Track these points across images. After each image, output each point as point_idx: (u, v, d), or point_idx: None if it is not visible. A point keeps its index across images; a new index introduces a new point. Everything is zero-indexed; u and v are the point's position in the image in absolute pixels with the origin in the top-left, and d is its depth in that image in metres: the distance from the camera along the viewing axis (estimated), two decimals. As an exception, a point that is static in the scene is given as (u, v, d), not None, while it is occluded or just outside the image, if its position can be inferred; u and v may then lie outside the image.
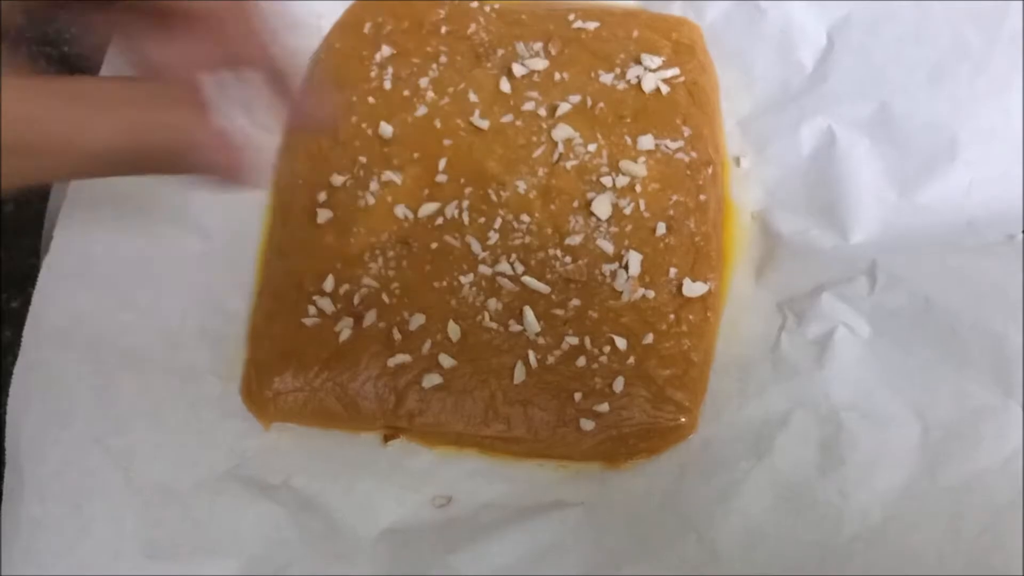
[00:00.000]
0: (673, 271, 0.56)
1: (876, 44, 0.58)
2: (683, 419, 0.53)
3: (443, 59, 0.61)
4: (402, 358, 0.55)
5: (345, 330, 0.55)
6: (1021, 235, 0.52)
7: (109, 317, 0.54)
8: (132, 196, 0.57)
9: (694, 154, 0.58)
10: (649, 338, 0.54)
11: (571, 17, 0.63)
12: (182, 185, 0.54)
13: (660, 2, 0.65)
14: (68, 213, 0.55)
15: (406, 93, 0.60)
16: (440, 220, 0.57)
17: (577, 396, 0.54)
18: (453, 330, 0.55)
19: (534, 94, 0.60)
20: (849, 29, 0.58)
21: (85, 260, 0.55)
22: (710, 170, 0.58)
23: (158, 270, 0.56)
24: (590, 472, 0.54)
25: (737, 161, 0.61)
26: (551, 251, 0.56)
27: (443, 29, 0.62)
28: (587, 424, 0.53)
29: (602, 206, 0.57)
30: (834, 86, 0.58)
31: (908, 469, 0.49)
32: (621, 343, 0.54)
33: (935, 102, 0.56)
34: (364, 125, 0.60)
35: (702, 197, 0.58)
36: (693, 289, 0.55)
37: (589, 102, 0.60)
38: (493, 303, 0.56)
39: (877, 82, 0.57)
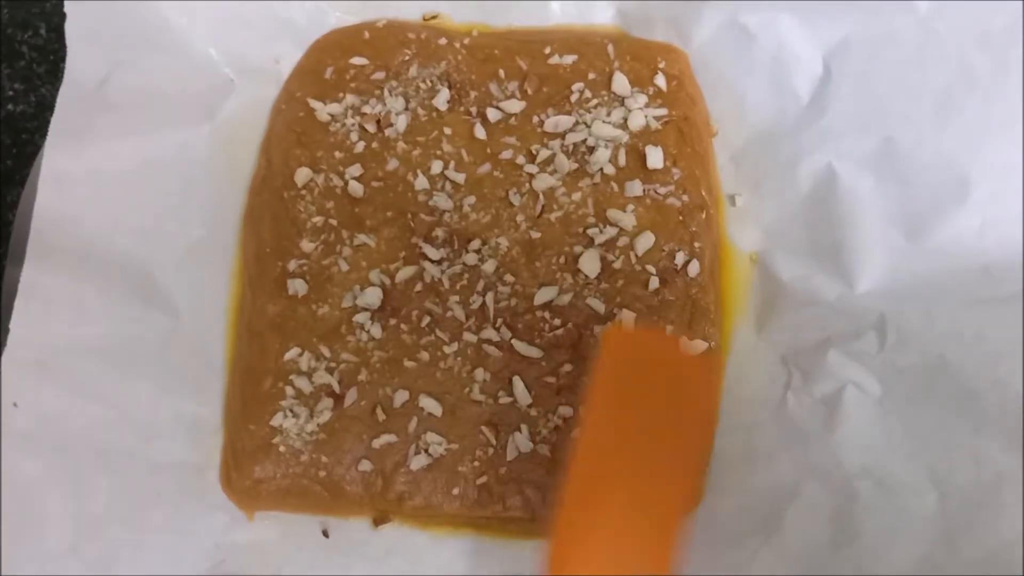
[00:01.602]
0: (669, 329, 0.53)
1: (877, 71, 0.53)
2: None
3: (412, 104, 0.57)
4: (387, 438, 0.52)
5: (325, 411, 0.52)
6: (1040, 286, 0.48)
7: (77, 414, 0.51)
8: (94, 272, 0.53)
9: (686, 198, 0.55)
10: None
11: (547, 51, 0.58)
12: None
13: (643, 25, 0.60)
14: (26, 296, 0.52)
15: (375, 146, 0.56)
16: (419, 286, 0.54)
17: (574, 471, 0.51)
18: (439, 407, 0.52)
19: (511, 140, 0.56)
20: (847, 54, 0.54)
21: (47, 349, 0.52)
22: (704, 214, 0.55)
23: (126, 354, 0.53)
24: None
25: (732, 200, 0.57)
26: (538, 313, 0.53)
27: (411, 70, 0.58)
28: (586, 500, 0.51)
29: (590, 263, 0.53)
30: (833, 119, 0.54)
31: (926, 541, 0.46)
32: None
33: (943, 135, 0.51)
34: (332, 183, 0.56)
35: (696, 245, 0.54)
36: (692, 347, 0.52)
37: (571, 147, 0.55)
38: (480, 373, 0.53)
39: (879, 114, 0.53)
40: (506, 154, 0.56)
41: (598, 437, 0.46)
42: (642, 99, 0.56)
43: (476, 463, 0.52)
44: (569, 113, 0.56)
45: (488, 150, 0.56)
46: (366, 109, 0.57)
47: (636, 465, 0.45)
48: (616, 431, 0.45)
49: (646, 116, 0.56)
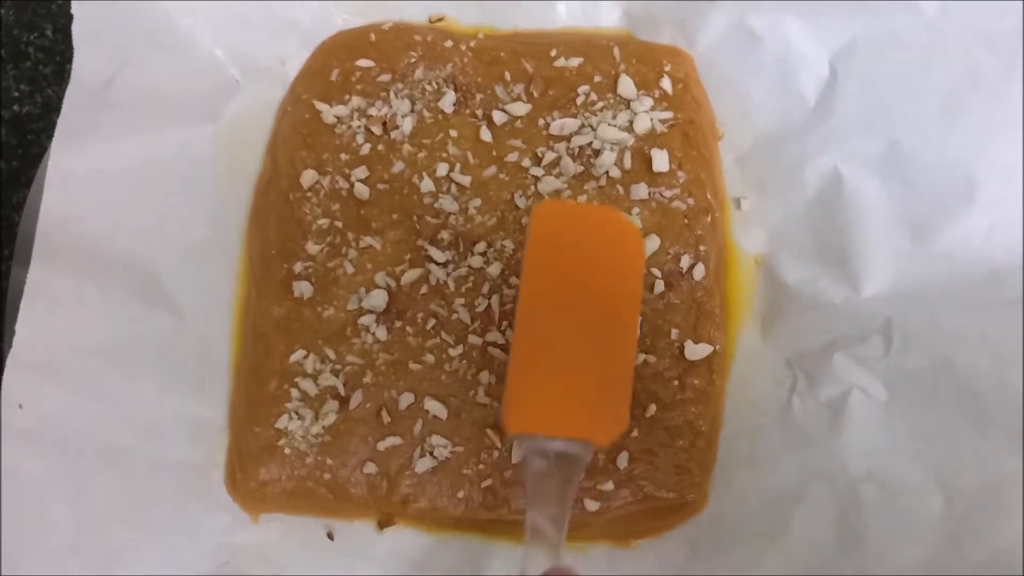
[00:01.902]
0: (675, 332, 0.53)
1: (883, 73, 0.53)
2: (692, 495, 0.51)
3: (418, 107, 0.57)
4: (392, 441, 0.52)
5: (330, 414, 0.52)
6: (1047, 289, 0.48)
7: (80, 412, 0.51)
8: (98, 272, 0.53)
9: (691, 201, 0.55)
10: (652, 409, 0.51)
11: (553, 53, 0.58)
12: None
13: (649, 27, 0.60)
14: (31, 297, 0.52)
15: (380, 148, 0.56)
16: (424, 288, 0.54)
17: (578, 474, 0.51)
18: (444, 410, 0.52)
19: (517, 142, 0.56)
20: (854, 56, 0.54)
21: (50, 349, 0.52)
22: (709, 218, 0.55)
23: (129, 354, 0.53)
24: (596, 552, 0.52)
25: (738, 203, 0.57)
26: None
27: (417, 73, 0.58)
28: (592, 504, 0.51)
29: (594, 270, 0.53)
30: (839, 121, 0.54)
31: (931, 543, 0.46)
32: None
33: (949, 138, 0.51)
34: (338, 186, 0.56)
35: (702, 248, 0.54)
36: (696, 352, 0.52)
37: (577, 149, 0.55)
38: (485, 376, 0.53)
39: (885, 116, 0.53)
40: (512, 157, 0.56)
41: (536, 300, 0.47)
42: (648, 102, 0.56)
43: (481, 466, 0.52)
44: (575, 116, 0.56)
45: (494, 153, 0.56)
46: (372, 111, 0.57)
47: (578, 322, 0.46)
48: (555, 294, 0.47)
49: (652, 119, 0.56)
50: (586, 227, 0.49)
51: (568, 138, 0.56)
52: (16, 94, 0.65)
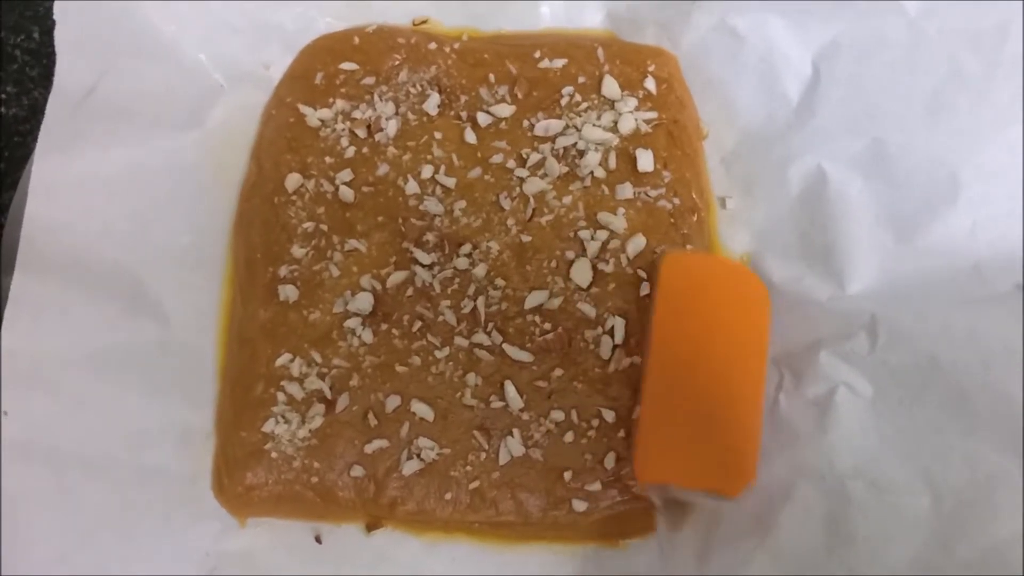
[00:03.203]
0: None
1: (867, 73, 0.53)
2: (680, 495, 0.51)
3: (403, 109, 0.57)
4: (379, 443, 0.52)
5: (317, 417, 0.52)
6: (1030, 284, 0.48)
7: (66, 421, 0.51)
8: (83, 279, 0.53)
9: (677, 200, 0.55)
10: (638, 411, 0.51)
11: (537, 55, 0.58)
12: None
13: (632, 28, 0.60)
14: (16, 305, 0.52)
15: (365, 151, 0.56)
16: (410, 290, 0.54)
17: (567, 475, 0.51)
18: (431, 412, 0.52)
19: (502, 144, 0.56)
20: (837, 56, 0.54)
21: (35, 357, 0.52)
22: (695, 217, 0.55)
23: (114, 361, 0.53)
24: (585, 553, 0.52)
25: (723, 202, 0.57)
26: (529, 317, 0.53)
27: (401, 75, 0.58)
28: (579, 504, 0.51)
29: (581, 272, 0.53)
30: (823, 121, 0.54)
31: (920, 542, 0.46)
32: (609, 416, 0.51)
33: (933, 136, 0.51)
34: (323, 189, 0.55)
35: (688, 247, 0.54)
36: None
37: (561, 151, 0.55)
38: (472, 378, 0.52)
39: (869, 115, 0.53)
40: (496, 158, 0.56)
41: (668, 352, 0.49)
42: (632, 102, 0.56)
43: (468, 468, 0.51)
44: (559, 117, 0.56)
45: (478, 154, 0.56)
46: (356, 114, 0.57)
47: (708, 375, 0.49)
48: (684, 345, 0.49)
49: (636, 119, 0.56)
50: (714, 279, 0.51)
51: (553, 139, 0.56)
52: (3, 96, 0.65)
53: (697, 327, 0.50)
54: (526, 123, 0.56)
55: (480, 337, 0.53)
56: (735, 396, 0.49)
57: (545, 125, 0.56)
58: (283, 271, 0.54)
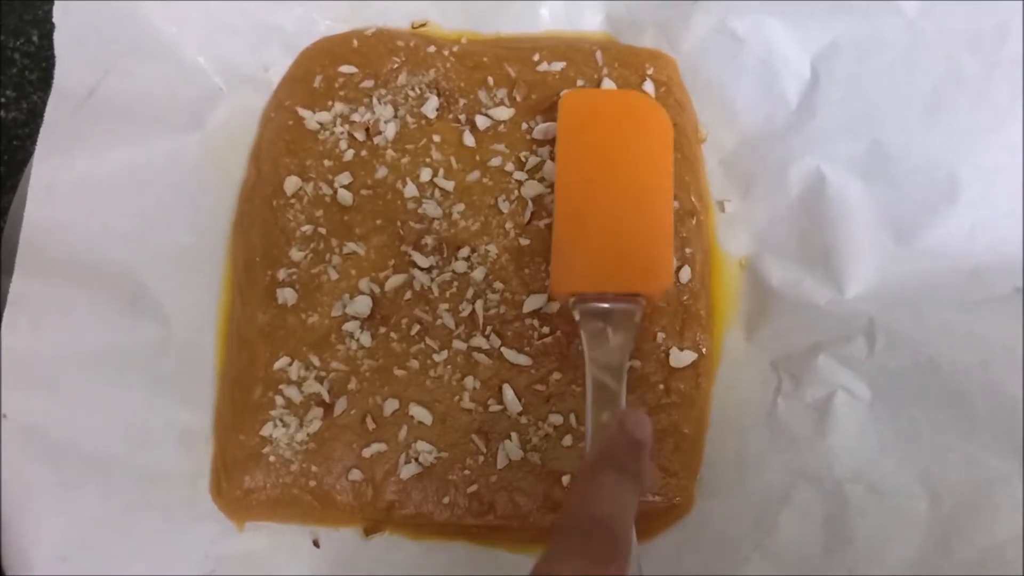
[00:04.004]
0: (661, 336, 0.53)
1: (865, 74, 0.53)
2: (678, 498, 0.51)
3: (401, 112, 0.57)
4: (377, 447, 0.52)
5: (315, 421, 0.52)
6: (1029, 287, 0.48)
7: (65, 421, 0.51)
8: (83, 280, 0.53)
9: (676, 204, 0.54)
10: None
11: (536, 58, 0.58)
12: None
13: (632, 30, 0.60)
14: (15, 305, 0.52)
15: (364, 154, 0.56)
16: (409, 294, 0.54)
17: (565, 479, 0.51)
18: (429, 415, 0.52)
19: (500, 147, 0.56)
20: (835, 58, 0.54)
21: (35, 358, 0.52)
22: (694, 220, 0.55)
23: (114, 363, 0.53)
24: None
25: (721, 206, 0.57)
26: (528, 320, 0.53)
27: (400, 78, 0.58)
28: (577, 508, 0.50)
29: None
30: (822, 122, 0.54)
31: (919, 544, 0.46)
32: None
33: (932, 137, 0.51)
34: (322, 192, 0.55)
35: (688, 251, 0.54)
36: (681, 359, 0.52)
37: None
38: (470, 381, 0.52)
39: (868, 116, 0.53)
40: (495, 161, 0.56)
41: (572, 176, 0.52)
42: (631, 105, 0.56)
43: (467, 471, 0.51)
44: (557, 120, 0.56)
45: (477, 157, 0.56)
46: (355, 117, 0.57)
47: (614, 191, 0.51)
48: (589, 169, 0.52)
49: (634, 124, 0.56)
50: (610, 105, 0.54)
51: (551, 142, 0.56)
52: (2, 100, 0.65)
53: (598, 149, 0.52)
54: (525, 126, 0.56)
55: (478, 340, 0.53)
56: (642, 207, 0.51)
57: (544, 128, 0.56)
58: (282, 274, 0.54)
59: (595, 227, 0.51)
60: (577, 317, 0.50)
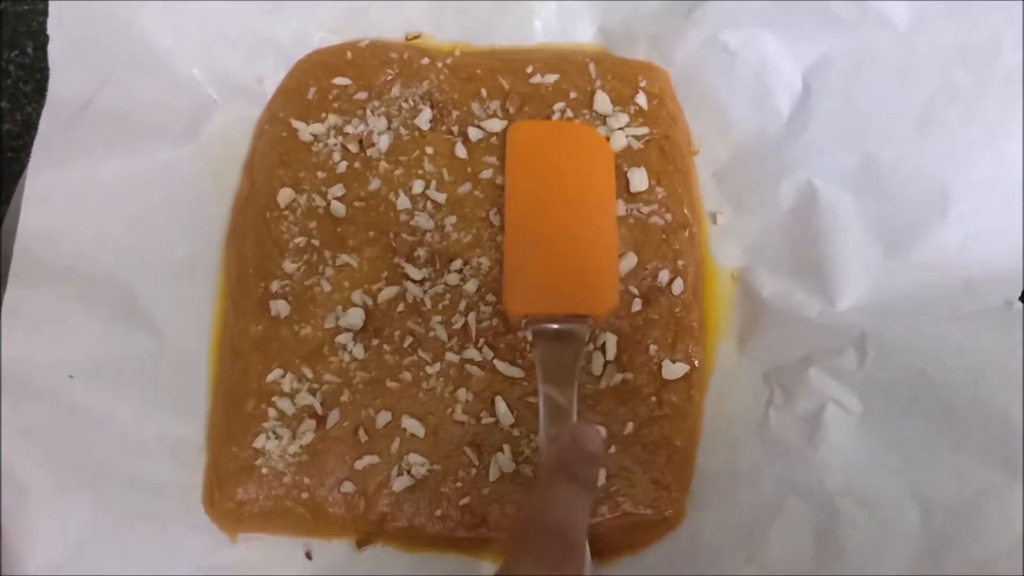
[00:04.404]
0: (653, 348, 0.53)
1: (857, 87, 0.53)
2: (670, 511, 0.51)
3: (395, 124, 0.57)
4: (370, 459, 0.52)
5: (308, 433, 0.52)
6: (1019, 301, 0.48)
7: (59, 432, 0.51)
8: (77, 291, 0.53)
9: (669, 216, 0.55)
10: (630, 427, 0.51)
11: (529, 70, 0.58)
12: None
13: (625, 43, 0.60)
14: (9, 315, 0.52)
15: (357, 166, 0.56)
16: (401, 306, 0.54)
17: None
18: (421, 428, 0.52)
19: (492, 159, 0.56)
20: (827, 71, 0.54)
21: (29, 368, 0.52)
22: (687, 233, 0.55)
23: (108, 374, 0.53)
24: (576, 569, 0.51)
25: (714, 218, 0.57)
26: (520, 333, 0.53)
27: (394, 90, 0.58)
28: (569, 521, 0.50)
29: (572, 288, 0.53)
30: (814, 135, 0.54)
31: (910, 556, 0.46)
32: (600, 432, 0.51)
33: (923, 151, 0.51)
34: (315, 203, 0.56)
35: (680, 263, 0.54)
36: (674, 371, 0.52)
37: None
38: (463, 394, 0.52)
39: (860, 130, 0.53)
40: (486, 174, 0.56)
41: (520, 203, 0.54)
42: (623, 118, 0.56)
43: (459, 484, 0.51)
44: (550, 132, 0.56)
45: (469, 169, 0.56)
46: (349, 129, 0.57)
47: (561, 217, 0.53)
48: (536, 196, 0.54)
49: (627, 135, 0.56)
50: (556, 138, 0.56)
51: (542, 156, 0.56)
52: (-4, 112, 0.65)
53: (544, 176, 0.54)
54: (517, 139, 0.57)
55: (471, 353, 0.53)
56: (588, 232, 0.53)
57: (534, 143, 0.56)
58: (275, 286, 0.54)
59: (544, 251, 0.52)
60: (529, 337, 0.52)
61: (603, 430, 0.50)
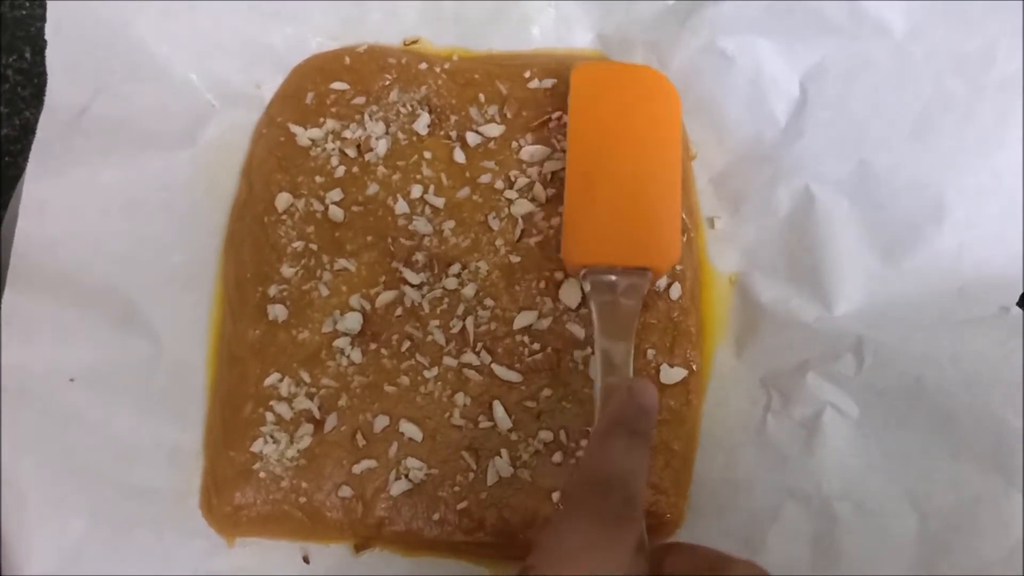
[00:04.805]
0: (651, 352, 0.53)
1: (853, 95, 0.54)
2: (668, 515, 0.51)
3: (393, 129, 0.57)
4: (367, 464, 0.52)
5: (305, 437, 0.52)
6: (1015, 307, 0.48)
7: (56, 439, 0.51)
8: (74, 297, 0.53)
9: (670, 214, 0.55)
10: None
11: (527, 75, 0.58)
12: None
13: (622, 49, 0.60)
14: (6, 322, 0.52)
15: (355, 170, 0.56)
16: (399, 310, 0.54)
17: (555, 495, 0.51)
18: (419, 432, 0.52)
19: (490, 164, 0.56)
20: (823, 78, 0.54)
21: (26, 375, 0.52)
22: (685, 237, 0.55)
23: (105, 380, 0.53)
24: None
25: (711, 223, 0.57)
26: (518, 337, 0.53)
27: (392, 95, 0.58)
28: (566, 525, 0.50)
29: (570, 293, 0.53)
30: (810, 142, 0.54)
31: (907, 563, 0.47)
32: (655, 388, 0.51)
33: (919, 158, 0.52)
34: (313, 208, 0.56)
35: (678, 267, 0.54)
36: (671, 376, 0.52)
37: (549, 175, 0.56)
38: (461, 398, 0.53)
39: (856, 137, 0.53)
40: (485, 178, 0.56)
41: (584, 149, 0.53)
42: (622, 123, 0.56)
43: (456, 488, 0.51)
44: (548, 139, 0.56)
45: (467, 174, 0.56)
46: (347, 134, 0.57)
47: (624, 165, 0.52)
48: (599, 144, 0.53)
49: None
50: (621, 78, 0.55)
51: (540, 163, 0.56)
52: (-6, 116, 0.65)
53: (609, 123, 0.53)
54: (515, 144, 0.57)
55: (469, 357, 0.53)
56: (653, 181, 0.52)
57: (531, 151, 0.56)
58: (273, 290, 0.54)
59: (605, 200, 0.51)
60: (587, 288, 0.51)
61: (656, 387, 0.47)
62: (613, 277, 0.50)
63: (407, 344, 0.53)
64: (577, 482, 0.40)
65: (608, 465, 0.39)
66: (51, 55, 0.54)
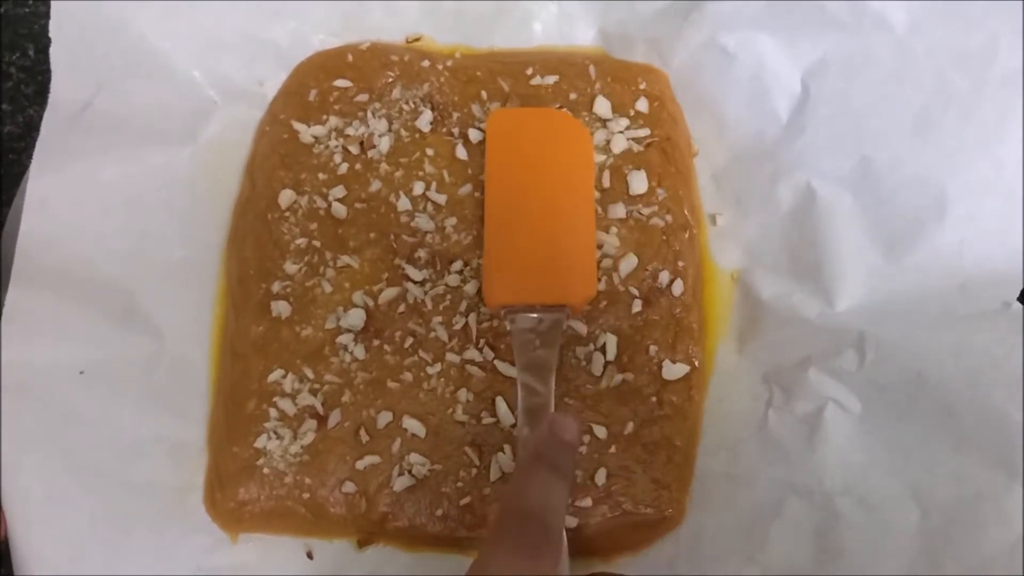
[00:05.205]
0: (653, 349, 0.53)
1: (854, 90, 0.54)
2: (670, 510, 0.51)
3: (395, 126, 0.57)
4: (371, 459, 0.52)
5: (309, 433, 0.52)
6: (1017, 302, 0.48)
7: (58, 434, 0.51)
8: (77, 293, 0.53)
9: (669, 218, 0.55)
10: (630, 427, 0.51)
11: (529, 71, 0.58)
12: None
13: (624, 45, 0.60)
14: (9, 318, 0.52)
15: (358, 167, 0.57)
16: (402, 307, 0.54)
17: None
18: (422, 428, 0.52)
19: (493, 161, 0.56)
20: (825, 74, 0.54)
21: (29, 370, 0.52)
22: (687, 234, 0.55)
23: (108, 376, 0.53)
24: (575, 569, 0.52)
25: (713, 219, 0.58)
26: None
27: (394, 92, 0.58)
28: (570, 520, 0.51)
29: (571, 291, 0.53)
30: (811, 138, 0.54)
31: (909, 557, 0.46)
32: (600, 432, 0.52)
33: (920, 154, 0.52)
34: (316, 205, 0.56)
35: (680, 264, 0.54)
36: (674, 372, 0.52)
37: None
38: (463, 394, 0.53)
39: (857, 133, 0.53)
40: (487, 175, 0.56)
41: (499, 190, 0.54)
42: (624, 121, 0.57)
43: (459, 484, 0.52)
44: (550, 136, 0.57)
45: (469, 171, 0.56)
46: (349, 131, 0.57)
47: (539, 207, 0.54)
48: (515, 185, 0.54)
49: (628, 138, 0.56)
50: (535, 125, 0.56)
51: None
52: (-2, 114, 0.65)
53: (524, 166, 0.54)
54: (517, 140, 0.57)
55: (472, 353, 0.53)
56: (567, 221, 0.53)
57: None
58: (276, 287, 0.54)
59: (522, 242, 0.53)
60: (508, 327, 0.52)
61: (579, 421, 0.49)
62: (533, 315, 0.51)
63: (410, 340, 0.53)
64: (500, 514, 0.41)
65: (527, 500, 0.41)
66: (54, 52, 0.54)
